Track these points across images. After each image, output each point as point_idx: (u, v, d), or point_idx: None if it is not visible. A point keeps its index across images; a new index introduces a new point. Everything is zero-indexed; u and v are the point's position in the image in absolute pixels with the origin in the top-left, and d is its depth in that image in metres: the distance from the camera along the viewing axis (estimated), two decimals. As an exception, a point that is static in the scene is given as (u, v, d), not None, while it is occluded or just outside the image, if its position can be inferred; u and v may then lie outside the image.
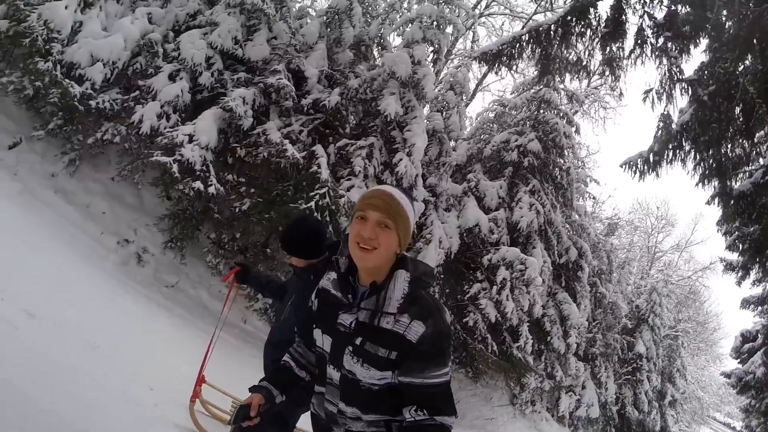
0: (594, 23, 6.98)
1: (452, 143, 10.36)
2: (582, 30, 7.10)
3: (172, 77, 7.07)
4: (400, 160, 7.23)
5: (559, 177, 11.11)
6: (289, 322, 2.22)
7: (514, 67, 7.89)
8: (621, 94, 6.86)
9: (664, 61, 6.60)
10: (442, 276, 8.88)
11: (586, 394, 12.74)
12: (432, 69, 8.06)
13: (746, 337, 11.24)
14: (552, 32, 7.29)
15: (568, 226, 11.74)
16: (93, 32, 6.86)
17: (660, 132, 6.74)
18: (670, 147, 6.82)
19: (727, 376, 11.83)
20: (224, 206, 6.67)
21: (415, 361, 1.47)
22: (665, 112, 6.56)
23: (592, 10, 7.05)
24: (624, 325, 14.33)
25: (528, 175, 10.66)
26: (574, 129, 11.34)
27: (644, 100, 6.52)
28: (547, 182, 10.97)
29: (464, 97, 10.55)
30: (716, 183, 7.05)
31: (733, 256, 10.12)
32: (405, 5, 10.98)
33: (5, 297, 3.53)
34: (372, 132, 7.64)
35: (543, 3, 11.20)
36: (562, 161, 11.19)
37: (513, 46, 7.41)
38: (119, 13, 7.53)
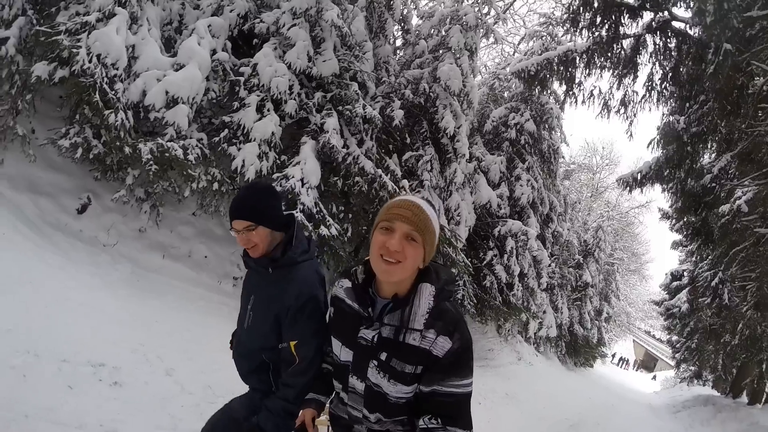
0: (615, 59, 8.49)
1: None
2: (603, 63, 8.59)
3: (259, 109, 6.78)
4: (455, 171, 8.62)
5: (547, 152, 12.92)
6: (256, 328, 1.93)
7: (547, 89, 9.25)
8: (631, 135, 8.73)
9: (664, 109, 8.50)
10: (465, 248, 10.67)
11: (546, 318, 15.84)
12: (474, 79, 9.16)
13: (674, 276, 14.45)
14: (578, 59, 8.72)
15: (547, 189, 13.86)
16: (155, 60, 5.94)
17: (651, 164, 8.81)
18: (655, 173, 9.00)
19: (657, 304, 15.27)
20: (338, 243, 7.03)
21: (438, 372, 1.44)
22: (659, 157, 8.60)
23: (615, 45, 8.52)
24: (577, 260, 17.31)
25: (523, 152, 12.38)
26: (559, 106, 13.01)
27: (648, 146, 8.46)
28: (536, 156, 12.78)
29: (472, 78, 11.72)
30: (682, 198, 9.40)
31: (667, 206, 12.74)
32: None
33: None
34: (423, 138, 8.80)
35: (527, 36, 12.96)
36: (550, 137, 12.94)
37: (546, 68, 8.77)
38: (158, 16, 6.64)
